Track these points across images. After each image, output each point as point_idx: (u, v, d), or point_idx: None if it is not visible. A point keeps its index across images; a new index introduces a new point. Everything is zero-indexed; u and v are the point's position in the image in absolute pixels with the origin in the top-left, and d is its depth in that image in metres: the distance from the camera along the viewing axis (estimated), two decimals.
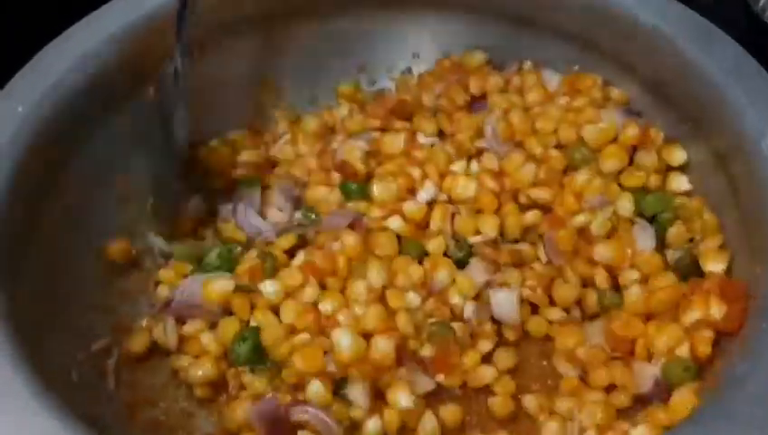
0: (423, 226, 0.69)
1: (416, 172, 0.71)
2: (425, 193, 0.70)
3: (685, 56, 0.67)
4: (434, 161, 0.72)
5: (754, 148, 0.60)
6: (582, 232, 0.67)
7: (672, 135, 0.71)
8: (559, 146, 0.72)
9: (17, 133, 0.62)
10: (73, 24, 0.70)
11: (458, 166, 0.72)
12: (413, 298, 0.64)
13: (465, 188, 0.70)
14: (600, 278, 0.67)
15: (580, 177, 0.69)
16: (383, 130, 0.77)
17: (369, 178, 0.73)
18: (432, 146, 0.74)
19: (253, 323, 0.65)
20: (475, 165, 0.73)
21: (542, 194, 0.69)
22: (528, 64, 0.80)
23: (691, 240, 0.66)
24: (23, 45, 0.68)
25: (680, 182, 0.70)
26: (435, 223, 0.69)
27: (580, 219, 0.67)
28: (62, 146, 0.67)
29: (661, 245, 0.67)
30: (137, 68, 0.72)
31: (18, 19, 0.85)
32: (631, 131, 0.69)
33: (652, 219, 0.68)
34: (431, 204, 0.70)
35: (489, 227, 0.68)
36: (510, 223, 0.69)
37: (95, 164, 0.70)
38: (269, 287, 0.65)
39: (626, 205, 0.68)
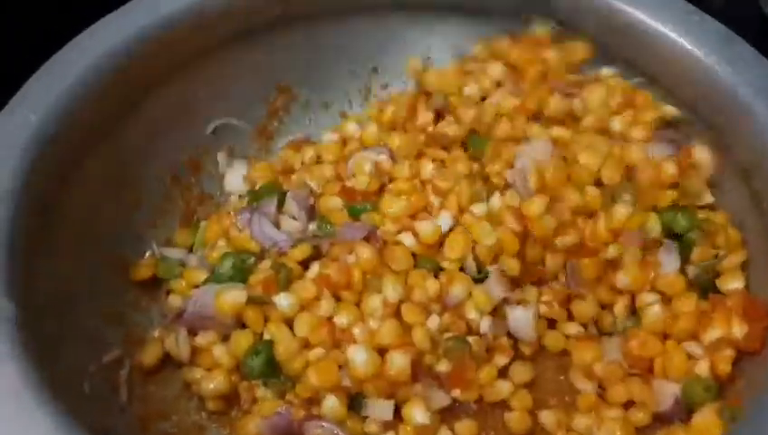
0: (436, 246, 0.67)
1: (435, 201, 0.69)
2: (442, 222, 0.67)
3: (707, 67, 0.66)
4: (456, 195, 0.68)
5: None
6: (609, 261, 0.66)
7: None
8: (599, 183, 0.67)
9: (29, 142, 0.61)
10: (85, 29, 0.69)
11: (479, 208, 0.67)
12: (430, 314, 0.63)
13: (485, 234, 0.65)
14: (620, 306, 0.66)
15: (620, 211, 0.65)
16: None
17: (381, 190, 0.72)
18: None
19: (266, 336, 0.64)
20: (497, 199, 0.67)
21: (567, 240, 0.65)
22: (607, 71, 0.74)
23: (715, 256, 0.65)
24: (31, 50, 0.67)
25: (704, 195, 0.68)
26: (453, 252, 0.66)
27: (611, 252, 0.65)
28: (74, 154, 0.65)
29: (684, 261, 0.65)
30: (150, 73, 0.71)
31: (25, 23, 0.84)
32: (672, 169, 0.66)
33: (677, 235, 0.66)
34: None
35: (510, 266, 0.65)
36: (531, 255, 0.66)
37: (107, 171, 0.69)
38: (283, 300, 0.64)
39: (655, 226, 0.66)
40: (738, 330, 0.59)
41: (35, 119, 0.61)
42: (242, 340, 0.64)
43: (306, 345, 0.63)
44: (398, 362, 0.60)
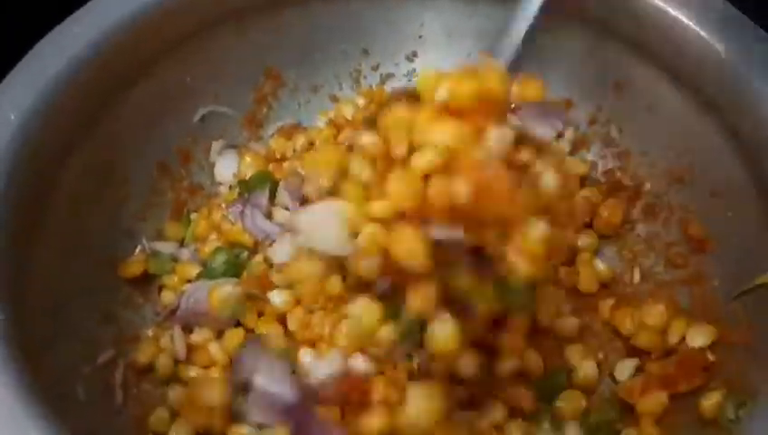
0: None
1: None
2: None
3: (709, 46, 0.64)
4: None
5: None
6: None
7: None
8: None
9: (10, 142, 0.59)
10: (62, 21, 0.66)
11: None
12: None
13: None
14: None
15: None
16: None
17: None
18: None
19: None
20: None
21: None
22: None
23: None
24: (8, 45, 0.64)
25: None
26: None
27: None
28: (58, 151, 0.63)
29: None
30: (132, 62, 0.69)
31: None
32: None
33: None
34: None
35: None
36: None
37: (93, 166, 0.67)
38: (276, 297, 0.62)
39: None
40: None
41: (15, 118, 0.59)
42: (234, 338, 0.63)
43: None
44: None
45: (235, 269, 0.66)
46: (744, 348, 0.58)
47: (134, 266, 0.69)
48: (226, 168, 0.76)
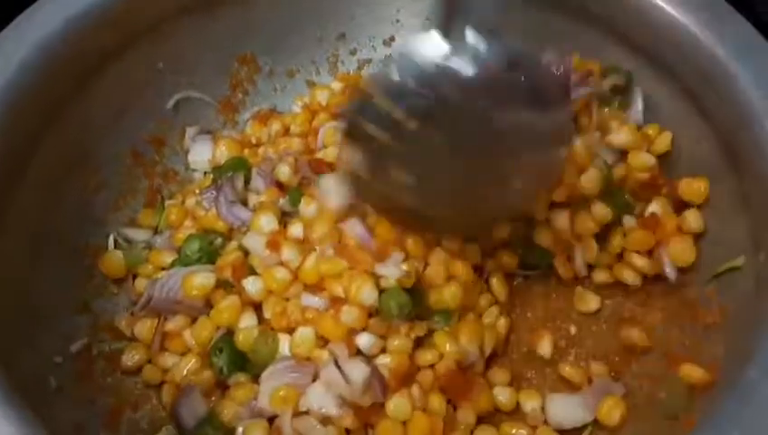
0: None
1: None
2: None
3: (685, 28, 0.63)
4: None
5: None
6: None
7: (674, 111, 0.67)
8: None
9: None
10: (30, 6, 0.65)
11: None
12: None
13: None
14: None
15: None
16: None
17: None
18: None
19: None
20: None
21: None
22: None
23: None
24: None
25: None
26: None
27: None
28: (28, 138, 0.62)
29: None
30: (103, 47, 0.68)
31: None
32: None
33: None
34: None
35: None
36: None
37: (64, 154, 0.66)
38: (251, 286, 0.62)
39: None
40: None
41: None
42: (203, 330, 0.62)
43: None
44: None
45: (209, 256, 0.65)
46: (716, 329, 0.58)
47: (114, 266, 0.68)
48: (201, 154, 0.75)
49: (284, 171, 0.69)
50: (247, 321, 0.62)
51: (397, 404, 0.57)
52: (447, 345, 0.60)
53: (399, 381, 0.58)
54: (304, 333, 0.59)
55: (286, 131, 0.75)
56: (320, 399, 0.57)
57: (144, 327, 0.65)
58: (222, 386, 0.62)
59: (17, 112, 0.60)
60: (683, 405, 0.56)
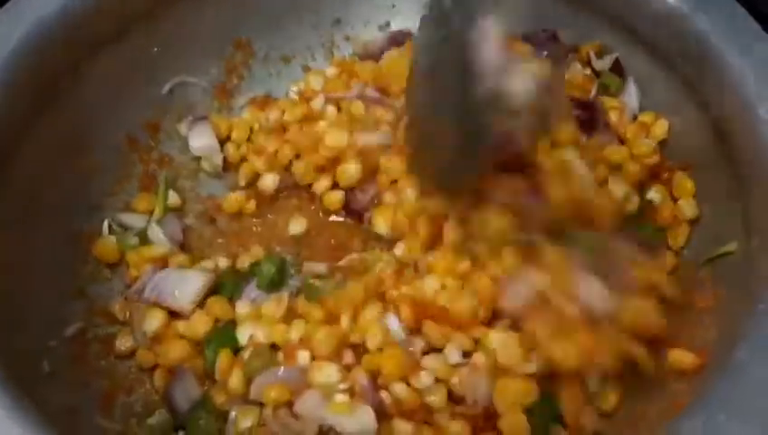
0: None
1: None
2: None
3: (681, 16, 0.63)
4: None
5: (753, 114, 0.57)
6: None
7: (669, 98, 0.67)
8: None
9: None
10: None
11: None
12: None
13: None
14: None
15: None
16: None
17: None
18: None
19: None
20: None
21: None
22: None
23: None
24: None
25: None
26: None
27: None
28: (22, 123, 0.62)
29: None
30: (98, 32, 0.68)
31: None
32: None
33: None
34: None
35: None
36: None
37: (59, 139, 0.66)
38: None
39: None
40: None
41: None
42: (198, 326, 0.63)
43: None
44: None
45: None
46: (709, 313, 0.58)
47: (109, 251, 0.68)
48: (201, 138, 0.75)
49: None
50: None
51: None
52: None
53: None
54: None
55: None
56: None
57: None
58: (211, 378, 0.62)
59: (11, 95, 0.60)
60: None
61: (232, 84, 0.79)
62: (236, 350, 0.61)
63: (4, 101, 0.60)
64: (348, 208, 0.71)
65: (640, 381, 0.57)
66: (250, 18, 0.77)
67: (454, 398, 0.57)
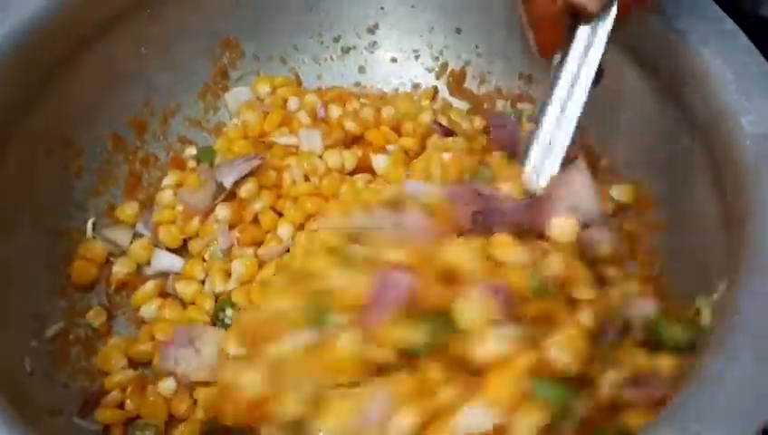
0: None
1: None
2: None
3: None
4: None
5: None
6: None
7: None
8: None
9: None
10: None
11: None
12: None
13: None
14: None
15: None
16: None
17: None
18: None
19: None
20: None
21: None
22: None
23: None
24: None
25: None
26: None
27: None
28: (5, 122, 0.62)
29: None
30: (82, 30, 0.67)
31: None
32: None
33: None
34: None
35: None
36: None
37: (43, 139, 0.66)
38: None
39: None
40: None
41: None
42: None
43: None
44: None
45: None
46: None
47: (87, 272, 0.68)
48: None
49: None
50: None
51: None
52: None
53: None
54: None
55: None
56: None
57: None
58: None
59: None
60: None
61: (219, 85, 0.79)
62: None
63: None
64: None
65: None
66: (239, 18, 0.77)
67: None
